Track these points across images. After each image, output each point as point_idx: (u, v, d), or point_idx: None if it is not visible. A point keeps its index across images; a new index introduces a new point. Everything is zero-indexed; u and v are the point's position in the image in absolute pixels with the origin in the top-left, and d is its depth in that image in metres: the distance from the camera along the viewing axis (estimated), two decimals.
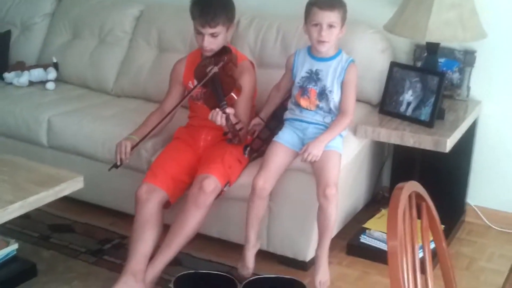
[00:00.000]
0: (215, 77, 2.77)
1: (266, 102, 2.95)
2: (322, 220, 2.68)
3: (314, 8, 2.66)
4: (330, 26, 2.64)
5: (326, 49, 2.70)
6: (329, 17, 2.63)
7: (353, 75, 2.73)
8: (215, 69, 2.78)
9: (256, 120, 2.90)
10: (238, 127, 2.69)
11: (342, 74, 2.72)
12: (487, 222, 3.36)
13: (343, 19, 2.68)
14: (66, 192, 2.42)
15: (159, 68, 3.59)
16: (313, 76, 2.75)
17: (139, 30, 3.81)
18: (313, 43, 2.71)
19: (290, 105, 2.85)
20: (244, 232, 2.77)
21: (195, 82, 2.91)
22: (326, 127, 2.74)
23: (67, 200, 2.76)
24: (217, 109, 2.67)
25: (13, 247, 2.83)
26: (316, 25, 2.65)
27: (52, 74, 3.88)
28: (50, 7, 4.16)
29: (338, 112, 2.74)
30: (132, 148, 2.89)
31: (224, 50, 2.88)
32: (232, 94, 2.73)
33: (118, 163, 2.88)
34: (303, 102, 2.77)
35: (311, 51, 2.77)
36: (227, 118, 2.66)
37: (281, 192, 2.81)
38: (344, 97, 2.73)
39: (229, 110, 2.66)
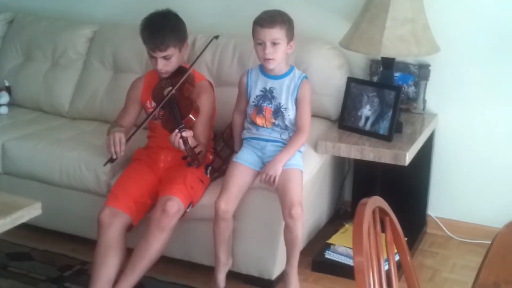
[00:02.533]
0: (172, 99, 2.75)
1: (232, 131, 2.94)
2: (289, 239, 2.68)
3: (256, 27, 2.67)
4: (274, 43, 2.64)
5: (274, 66, 2.70)
6: (271, 34, 2.63)
7: (306, 91, 2.74)
8: (172, 90, 2.76)
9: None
10: (197, 150, 2.67)
11: (295, 91, 2.73)
12: (448, 233, 3.41)
13: (289, 35, 2.68)
14: (23, 220, 2.35)
15: (115, 89, 3.55)
16: (268, 94, 2.76)
17: (93, 51, 3.76)
18: (261, 61, 2.72)
19: (246, 124, 2.85)
20: (212, 254, 2.75)
21: (153, 103, 2.89)
22: (284, 144, 2.75)
23: (25, 227, 2.68)
24: (175, 132, 2.64)
25: None
26: (260, 43, 2.66)
27: (4, 98, 3.80)
28: (1, 30, 4.08)
29: (295, 128, 2.75)
30: (127, 140, 2.81)
31: (181, 71, 2.86)
32: (190, 116, 2.72)
33: (114, 156, 2.78)
34: (259, 121, 2.77)
35: (263, 69, 2.78)
36: (185, 142, 2.64)
37: (245, 211, 2.79)
38: (299, 113, 2.74)
39: (186, 134, 2.65)
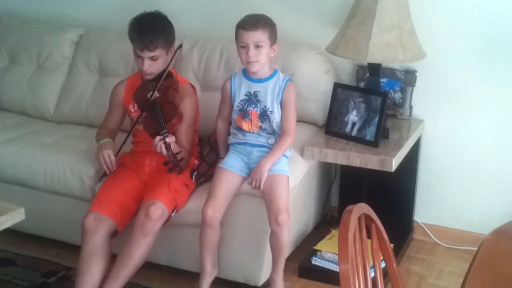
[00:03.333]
0: (156, 103, 2.73)
1: (217, 137, 2.92)
2: (275, 245, 2.68)
3: (239, 30, 2.68)
4: (257, 46, 2.65)
5: (257, 69, 2.71)
6: (254, 36, 2.64)
7: (291, 94, 2.74)
8: (156, 93, 2.75)
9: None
10: (179, 156, 2.66)
11: (280, 93, 2.73)
12: (435, 239, 3.41)
13: (272, 38, 2.69)
14: (6, 225, 2.33)
15: (100, 93, 3.53)
16: (252, 98, 2.75)
17: (79, 55, 3.74)
18: (244, 65, 2.73)
19: (231, 129, 2.84)
20: (198, 260, 2.73)
21: (136, 106, 2.88)
22: (270, 149, 2.74)
23: (9, 233, 2.65)
24: (159, 138, 2.63)
25: None
26: (243, 46, 2.67)
27: None
28: None
29: (280, 132, 2.74)
30: (115, 154, 2.85)
31: (165, 74, 2.85)
32: (174, 121, 2.71)
33: (108, 172, 2.84)
34: (245, 125, 2.76)
35: (247, 73, 2.78)
36: (168, 147, 2.62)
37: (231, 217, 2.77)
38: (284, 116, 2.74)
39: (169, 139, 2.63)
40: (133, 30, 2.84)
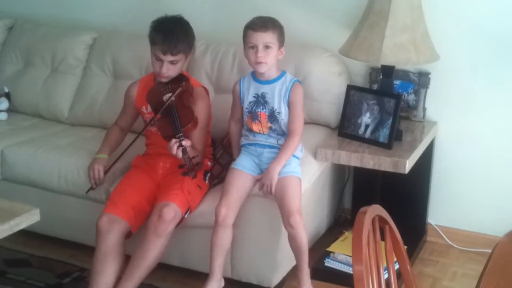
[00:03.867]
0: (172, 106, 2.74)
1: (230, 140, 2.93)
2: (294, 246, 2.68)
3: (249, 31, 2.69)
4: (266, 46, 2.66)
5: (265, 70, 2.71)
6: (263, 37, 2.65)
7: (298, 94, 2.74)
8: (172, 97, 2.75)
9: None
10: (195, 161, 2.66)
11: (287, 94, 2.73)
12: (448, 241, 3.39)
13: (280, 40, 2.70)
14: (21, 226, 2.34)
15: (114, 96, 3.55)
16: (260, 100, 2.76)
17: (92, 58, 3.76)
18: (252, 66, 2.73)
19: (243, 131, 2.85)
20: (208, 263, 2.72)
21: (149, 108, 2.89)
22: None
23: (24, 234, 2.68)
24: (174, 141, 2.64)
25: None
26: (252, 47, 2.67)
27: (4, 104, 3.80)
28: (1, 36, 4.07)
29: (287, 133, 2.75)
30: (105, 172, 2.92)
31: (181, 78, 2.85)
32: (190, 126, 2.71)
33: (94, 187, 2.92)
34: (255, 127, 2.77)
35: (255, 75, 2.78)
36: (184, 151, 2.63)
37: (244, 218, 2.78)
38: (290, 117, 2.74)
39: (185, 143, 2.64)
40: (156, 33, 2.81)
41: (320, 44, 3.32)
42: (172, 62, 2.79)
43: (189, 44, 2.85)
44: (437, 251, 3.36)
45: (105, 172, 2.93)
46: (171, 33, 2.77)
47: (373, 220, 1.63)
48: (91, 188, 2.94)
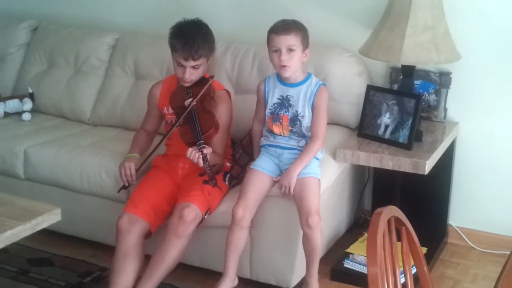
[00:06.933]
0: (193, 111, 2.74)
1: (252, 139, 2.93)
2: (308, 247, 2.68)
3: (272, 34, 2.68)
4: (290, 50, 2.65)
5: (289, 74, 2.70)
6: (286, 40, 2.64)
7: (323, 98, 2.74)
8: (194, 102, 2.75)
9: None
10: (215, 169, 2.66)
11: (312, 98, 2.72)
12: (469, 243, 3.36)
13: (304, 43, 2.69)
14: (43, 226, 2.36)
15: (136, 96, 3.58)
16: (285, 102, 2.76)
17: (115, 59, 3.79)
18: (277, 70, 2.73)
19: (264, 132, 2.85)
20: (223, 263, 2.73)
21: (170, 110, 2.90)
22: (301, 151, 2.73)
23: (46, 233, 2.70)
24: (195, 148, 2.64)
25: None
26: (276, 51, 2.67)
27: (28, 104, 3.85)
28: (25, 37, 4.12)
29: (310, 136, 2.74)
30: (137, 170, 2.92)
31: (203, 81, 2.85)
32: (211, 132, 2.71)
33: (126, 184, 2.92)
34: (276, 129, 2.77)
35: (281, 77, 2.78)
36: (205, 159, 2.63)
37: (263, 219, 2.79)
38: (314, 120, 2.73)
39: (206, 151, 2.63)
40: (176, 39, 2.80)
41: (340, 44, 3.31)
42: (194, 67, 2.80)
43: (209, 47, 2.85)
44: (458, 253, 3.33)
45: (136, 170, 2.92)
46: (191, 39, 2.77)
47: (388, 221, 1.62)
48: (124, 187, 2.93)
